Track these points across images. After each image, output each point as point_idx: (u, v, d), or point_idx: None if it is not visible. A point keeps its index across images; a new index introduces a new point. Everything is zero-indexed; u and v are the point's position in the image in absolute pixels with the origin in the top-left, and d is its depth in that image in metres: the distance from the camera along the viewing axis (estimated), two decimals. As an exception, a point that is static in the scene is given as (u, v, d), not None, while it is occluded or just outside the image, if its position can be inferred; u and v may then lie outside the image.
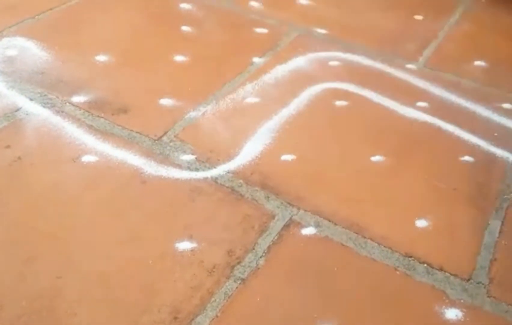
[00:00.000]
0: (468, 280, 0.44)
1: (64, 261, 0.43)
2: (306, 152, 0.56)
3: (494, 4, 0.85)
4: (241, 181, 0.51)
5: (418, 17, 0.81)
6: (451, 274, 0.44)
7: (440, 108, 0.63)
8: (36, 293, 0.41)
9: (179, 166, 0.53)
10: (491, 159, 0.56)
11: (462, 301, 0.42)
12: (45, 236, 0.45)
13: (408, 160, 0.56)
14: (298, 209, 0.49)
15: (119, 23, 0.74)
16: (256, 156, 0.54)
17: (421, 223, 0.48)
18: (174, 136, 0.56)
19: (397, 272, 0.44)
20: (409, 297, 0.42)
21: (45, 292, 0.41)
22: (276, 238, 0.46)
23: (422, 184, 0.53)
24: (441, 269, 0.45)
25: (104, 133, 0.56)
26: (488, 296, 0.43)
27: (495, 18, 0.82)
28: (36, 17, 0.74)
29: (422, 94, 0.65)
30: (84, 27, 0.73)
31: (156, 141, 0.56)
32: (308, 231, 0.47)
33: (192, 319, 0.40)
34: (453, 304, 0.42)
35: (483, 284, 0.44)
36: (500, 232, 0.48)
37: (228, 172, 0.52)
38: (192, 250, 0.45)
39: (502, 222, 0.49)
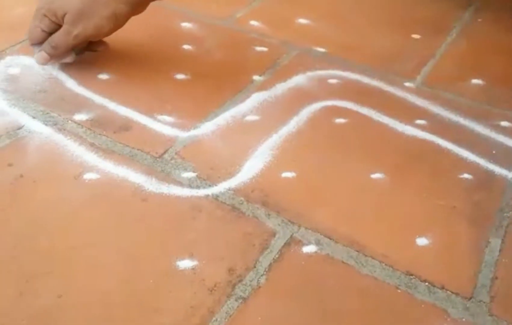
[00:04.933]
0: (470, 298, 0.44)
1: (65, 280, 0.43)
2: (307, 170, 0.56)
3: (491, 23, 0.86)
4: (242, 198, 0.52)
5: (416, 36, 0.82)
6: (452, 293, 0.44)
7: (438, 126, 0.64)
8: (37, 311, 0.41)
9: (180, 183, 0.53)
10: (490, 177, 0.57)
11: (463, 319, 0.42)
12: (46, 254, 0.45)
13: (407, 178, 0.56)
14: (299, 226, 0.49)
15: (121, 41, 0.75)
16: (257, 174, 0.55)
17: (421, 241, 0.49)
18: (175, 153, 0.57)
19: (399, 291, 0.44)
20: (411, 316, 0.42)
21: (46, 310, 0.41)
22: (277, 256, 0.46)
23: (422, 201, 0.53)
24: (442, 288, 0.45)
25: (105, 151, 0.56)
26: (489, 315, 0.43)
27: (492, 36, 0.83)
28: (39, 35, 0.75)
29: (421, 112, 0.66)
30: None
31: (158, 159, 0.56)
32: (309, 249, 0.47)
33: (193, 338, 0.40)
34: (454, 322, 0.42)
35: (484, 302, 0.44)
36: (500, 250, 0.48)
37: (229, 190, 0.53)
38: (193, 268, 0.45)
39: (502, 240, 0.49)
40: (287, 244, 0.47)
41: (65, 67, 0.68)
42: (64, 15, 0.60)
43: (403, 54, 0.77)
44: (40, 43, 0.65)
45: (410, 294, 0.44)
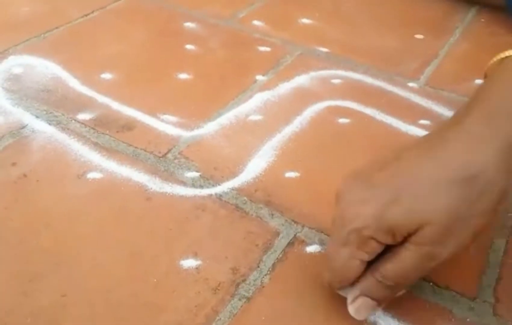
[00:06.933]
0: (474, 299, 0.44)
1: (68, 279, 0.43)
2: (310, 169, 0.56)
3: (493, 23, 0.86)
4: (245, 198, 0.52)
5: (419, 37, 0.82)
6: (457, 293, 0.44)
7: (442, 126, 0.63)
8: (41, 311, 0.41)
9: (184, 183, 0.53)
10: (494, 177, 0.56)
11: (468, 320, 0.42)
12: (49, 253, 0.45)
13: (411, 178, 0.56)
14: (303, 226, 0.49)
15: (124, 42, 0.75)
16: (260, 174, 0.55)
17: (426, 241, 0.48)
18: (179, 153, 0.57)
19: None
20: (415, 316, 0.42)
21: (50, 309, 0.41)
22: (280, 255, 0.46)
23: (426, 201, 0.53)
24: (447, 288, 0.44)
25: (109, 150, 0.56)
26: (494, 315, 0.43)
27: (495, 37, 0.83)
28: (42, 35, 0.75)
29: (424, 112, 0.66)
30: (89, 45, 0.74)
31: (161, 159, 0.56)
32: (313, 248, 0.47)
33: (197, 337, 0.40)
34: (459, 323, 0.42)
35: (489, 302, 0.43)
36: (505, 251, 0.48)
37: (232, 189, 0.53)
38: (196, 268, 0.45)
39: (507, 241, 0.49)
40: (290, 244, 0.47)
41: (68, 67, 0.68)
42: (416, 230, 0.36)
43: (407, 54, 0.77)
44: (353, 281, 0.39)
45: (414, 294, 0.44)
